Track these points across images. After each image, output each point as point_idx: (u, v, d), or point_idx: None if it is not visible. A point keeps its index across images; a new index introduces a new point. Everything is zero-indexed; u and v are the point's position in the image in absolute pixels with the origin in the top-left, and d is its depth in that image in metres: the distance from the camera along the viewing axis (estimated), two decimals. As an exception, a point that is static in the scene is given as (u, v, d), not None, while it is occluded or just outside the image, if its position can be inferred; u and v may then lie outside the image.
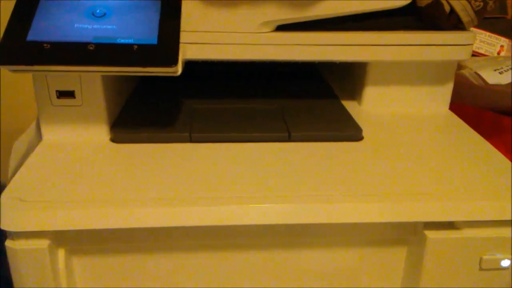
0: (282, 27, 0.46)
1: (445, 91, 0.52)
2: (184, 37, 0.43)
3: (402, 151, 0.43)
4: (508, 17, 0.62)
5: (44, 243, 0.34)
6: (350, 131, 0.45)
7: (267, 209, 0.35)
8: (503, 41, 0.61)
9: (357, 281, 0.41)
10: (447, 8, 0.48)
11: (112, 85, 0.45)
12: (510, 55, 0.61)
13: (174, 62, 0.37)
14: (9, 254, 0.35)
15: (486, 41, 0.62)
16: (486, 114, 0.59)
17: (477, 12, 0.48)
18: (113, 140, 0.43)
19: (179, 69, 0.38)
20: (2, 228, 0.33)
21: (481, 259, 0.37)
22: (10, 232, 0.34)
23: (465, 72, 0.56)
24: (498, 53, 0.62)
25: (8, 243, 0.34)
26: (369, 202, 0.36)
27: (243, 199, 0.35)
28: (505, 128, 0.59)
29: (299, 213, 0.35)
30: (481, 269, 0.37)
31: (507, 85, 0.54)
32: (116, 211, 0.34)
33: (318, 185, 0.37)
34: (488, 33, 0.62)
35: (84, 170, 0.39)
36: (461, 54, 0.48)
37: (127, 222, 0.34)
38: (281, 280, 0.40)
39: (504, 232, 0.37)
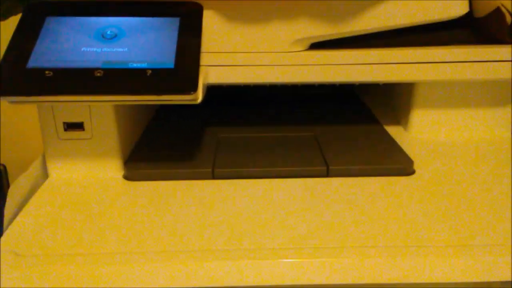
0: (317, 45, 0.40)
1: (507, 114, 0.45)
2: (205, 59, 0.38)
3: (465, 188, 0.36)
4: None
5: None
6: (399, 164, 0.39)
7: (303, 265, 0.29)
8: None
9: None
10: (508, 20, 0.41)
11: (126, 114, 0.40)
12: None
13: (193, 89, 0.32)
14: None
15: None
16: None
17: (544, 23, 0.41)
18: (127, 177, 0.38)
19: (199, 96, 0.33)
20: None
21: None
22: (3, 292, 0.29)
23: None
24: None
25: (1, 304, 0.29)
26: (432, 256, 0.29)
27: (273, 251, 0.29)
28: None
29: (342, 271, 0.29)
30: None
31: None
32: (124, 269, 0.28)
33: (364, 233, 0.31)
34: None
35: (92, 214, 0.33)
36: (527, 71, 0.41)
37: (135, 282, 0.28)
38: None
39: None
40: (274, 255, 0.29)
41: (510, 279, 0.29)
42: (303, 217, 0.33)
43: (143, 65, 0.33)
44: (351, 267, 0.29)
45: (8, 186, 0.72)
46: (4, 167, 0.73)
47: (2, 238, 0.31)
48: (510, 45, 0.41)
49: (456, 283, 0.30)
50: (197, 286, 0.28)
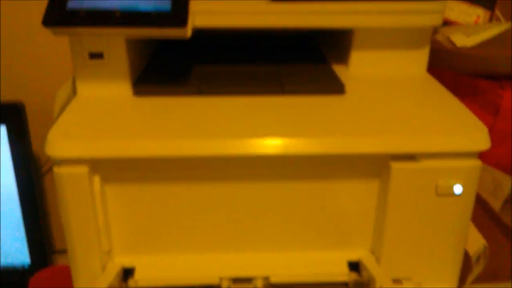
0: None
1: (422, 55, 0.59)
2: (193, 6, 0.51)
3: (378, 102, 0.51)
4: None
5: (84, 169, 0.43)
6: (334, 86, 0.53)
7: (262, 142, 0.43)
8: (479, 11, 0.67)
9: (335, 213, 0.49)
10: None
11: (134, 48, 0.54)
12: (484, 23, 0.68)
13: (184, 24, 0.45)
14: (56, 179, 0.44)
15: (464, 12, 0.68)
16: (463, 78, 0.66)
17: (448, -16, 0.55)
18: (135, 93, 0.52)
19: (188, 31, 0.46)
20: (49, 154, 0.42)
21: (437, 186, 0.45)
22: (56, 161, 0.43)
23: (438, 37, 0.63)
24: (475, 22, 0.69)
25: (55, 169, 0.43)
26: (345, 136, 0.44)
27: (244, 133, 0.44)
28: (480, 90, 0.66)
29: (288, 145, 0.43)
30: (437, 194, 0.45)
31: (476, 49, 0.61)
32: (142, 143, 0.43)
33: (304, 124, 0.46)
34: (466, 5, 0.68)
35: (113, 115, 0.47)
36: (433, 21, 0.56)
37: (151, 152, 0.43)
38: (258, 211, 0.48)
39: (457, 162, 0.45)
40: (245, 135, 0.44)
41: (397, 151, 0.44)
42: (262, 116, 0.47)
43: (149, 8, 0.46)
44: (291, 143, 0.43)
45: (27, 124, 0.85)
46: (23, 104, 0.85)
47: (53, 127, 0.44)
48: (421, 1, 0.55)
49: (364, 156, 0.46)
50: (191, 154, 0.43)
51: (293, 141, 0.44)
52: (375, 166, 0.47)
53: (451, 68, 0.63)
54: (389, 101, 0.51)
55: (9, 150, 0.81)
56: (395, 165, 0.45)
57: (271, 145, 0.44)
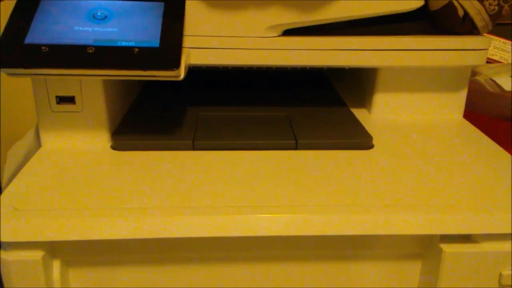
0: (290, 32, 0.44)
1: (459, 98, 0.50)
2: (187, 41, 0.41)
3: (415, 160, 0.41)
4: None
5: (38, 254, 0.32)
6: (359, 139, 0.43)
7: (271, 220, 0.33)
8: (518, 47, 0.59)
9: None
10: (460, 12, 0.46)
11: (114, 90, 0.44)
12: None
13: (176, 66, 0.36)
14: (2, 266, 0.33)
15: (500, 48, 0.60)
16: (503, 124, 0.56)
17: (492, 16, 0.46)
18: (114, 147, 0.42)
19: (181, 73, 0.37)
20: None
21: (500, 275, 0.35)
22: (3, 243, 0.33)
23: (480, 78, 0.54)
24: (513, 60, 0.61)
25: (2, 254, 0.33)
26: (381, 213, 0.34)
27: (246, 209, 0.34)
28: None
29: (307, 225, 0.33)
30: (500, 285, 0.35)
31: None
32: (112, 221, 0.32)
33: (326, 195, 0.36)
34: (502, 39, 0.60)
35: (82, 178, 0.37)
36: (476, 59, 0.46)
37: (124, 233, 0.32)
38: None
39: (525, 246, 0.35)
40: (246, 212, 0.33)
41: (450, 232, 0.34)
42: (273, 182, 0.37)
43: (131, 43, 0.36)
44: (314, 222, 0.33)
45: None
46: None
47: (2, 195, 0.34)
48: (461, 36, 0.46)
49: (405, 236, 0.35)
50: (176, 236, 0.32)
51: (314, 219, 0.33)
52: (418, 247, 0.36)
53: (489, 113, 0.54)
54: (427, 159, 0.42)
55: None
56: (447, 248, 0.34)
57: (286, 223, 0.33)
